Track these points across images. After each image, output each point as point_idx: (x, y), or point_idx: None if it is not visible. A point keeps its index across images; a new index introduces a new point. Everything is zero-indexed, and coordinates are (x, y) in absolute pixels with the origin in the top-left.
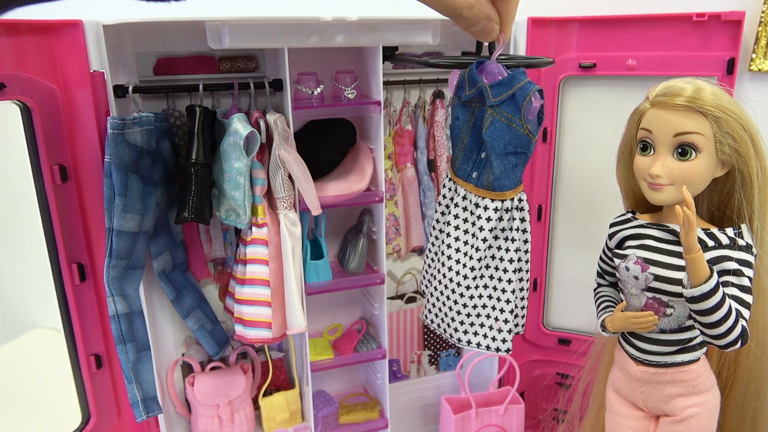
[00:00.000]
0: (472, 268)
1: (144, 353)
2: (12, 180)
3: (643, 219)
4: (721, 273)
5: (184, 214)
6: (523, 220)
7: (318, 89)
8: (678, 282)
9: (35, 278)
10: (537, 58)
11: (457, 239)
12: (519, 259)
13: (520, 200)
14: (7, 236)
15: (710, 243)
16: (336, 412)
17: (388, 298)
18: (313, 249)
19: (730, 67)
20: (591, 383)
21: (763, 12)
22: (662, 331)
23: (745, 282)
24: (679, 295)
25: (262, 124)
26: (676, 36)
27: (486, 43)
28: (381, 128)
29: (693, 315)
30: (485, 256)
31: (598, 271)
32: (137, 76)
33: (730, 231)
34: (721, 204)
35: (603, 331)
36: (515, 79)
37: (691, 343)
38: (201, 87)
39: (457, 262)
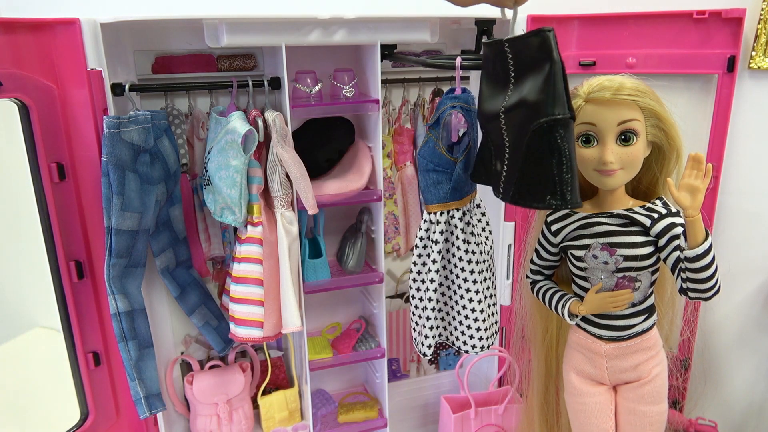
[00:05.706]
0: (410, 270)
1: (146, 350)
2: (10, 178)
3: (583, 212)
4: (674, 237)
5: (554, 198)
6: (456, 236)
7: (316, 87)
8: (643, 257)
9: (34, 276)
10: None
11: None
12: (451, 272)
13: (452, 216)
14: (5, 235)
15: (663, 211)
16: (335, 411)
17: (387, 297)
18: (312, 248)
19: (731, 64)
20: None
21: (762, 9)
22: (633, 305)
23: None
24: (645, 268)
25: (260, 122)
26: (677, 33)
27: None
28: (379, 127)
29: (690, 274)
30: (417, 263)
31: (533, 269)
32: (136, 75)
33: (658, 202)
34: (635, 182)
35: (570, 318)
36: (442, 103)
37: (652, 308)
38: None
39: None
